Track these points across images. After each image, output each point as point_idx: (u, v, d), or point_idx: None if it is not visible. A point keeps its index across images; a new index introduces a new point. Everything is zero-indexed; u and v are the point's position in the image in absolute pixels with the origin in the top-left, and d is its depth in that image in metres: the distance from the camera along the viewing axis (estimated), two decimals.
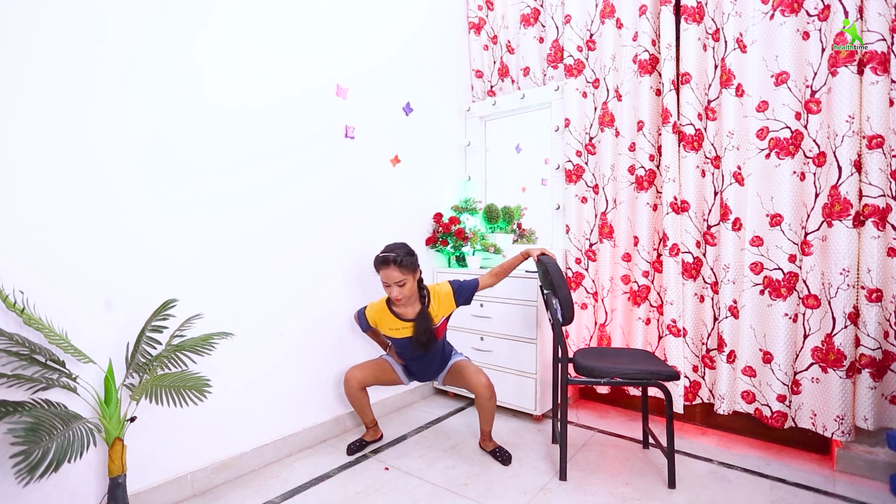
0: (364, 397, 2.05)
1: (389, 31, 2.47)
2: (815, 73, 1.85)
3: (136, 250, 1.54)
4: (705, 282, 2.16)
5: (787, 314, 1.92)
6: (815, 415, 1.87)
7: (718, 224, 2.11)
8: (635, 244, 2.32)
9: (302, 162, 2.04)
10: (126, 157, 1.52)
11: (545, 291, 2.02)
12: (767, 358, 1.97)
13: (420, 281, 1.96)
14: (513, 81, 2.87)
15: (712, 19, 2.09)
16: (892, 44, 1.70)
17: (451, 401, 2.68)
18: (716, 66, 2.10)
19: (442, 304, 1.99)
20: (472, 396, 2.55)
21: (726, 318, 2.06)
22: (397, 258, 1.83)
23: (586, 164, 2.49)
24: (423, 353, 1.99)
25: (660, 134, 2.25)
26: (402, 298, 1.88)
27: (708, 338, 2.17)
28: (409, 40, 2.59)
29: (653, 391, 2.19)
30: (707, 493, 1.71)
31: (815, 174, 1.87)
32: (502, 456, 1.95)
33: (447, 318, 2.02)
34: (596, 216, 2.47)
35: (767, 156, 1.97)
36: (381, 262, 1.86)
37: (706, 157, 2.13)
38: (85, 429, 1.18)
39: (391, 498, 1.68)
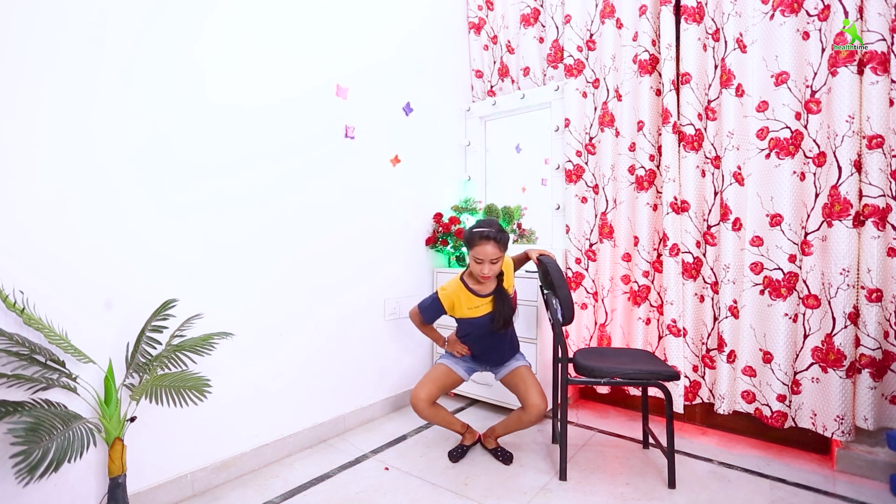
0: (440, 411, 1.92)
1: (389, 31, 2.47)
2: (815, 73, 1.85)
3: (137, 250, 1.54)
4: (705, 282, 2.16)
5: (787, 314, 1.92)
6: (815, 415, 1.87)
7: (718, 224, 2.11)
8: (635, 244, 2.32)
9: (302, 162, 2.04)
10: (126, 157, 1.52)
11: (545, 291, 2.02)
12: (767, 358, 1.97)
13: None
14: (513, 81, 2.87)
15: (712, 19, 2.09)
16: (892, 44, 1.70)
17: (452, 401, 2.68)
18: (716, 66, 2.10)
19: (508, 273, 1.92)
20: (474, 397, 2.56)
21: (726, 317, 2.06)
22: (498, 235, 1.74)
23: (586, 164, 2.49)
24: (498, 333, 1.87)
25: (660, 134, 2.25)
26: (490, 276, 1.78)
27: (708, 338, 2.17)
28: (409, 40, 2.59)
29: (653, 391, 2.18)
30: (707, 493, 1.71)
31: (815, 174, 1.87)
32: (503, 455, 1.95)
33: (515, 292, 1.96)
34: (596, 216, 2.47)
35: (767, 156, 1.97)
36: (482, 238, 1.73)
37: (706, 157, 2.13)
38: (85, 429, 1.19)
39: (391, 498, 1.68)
